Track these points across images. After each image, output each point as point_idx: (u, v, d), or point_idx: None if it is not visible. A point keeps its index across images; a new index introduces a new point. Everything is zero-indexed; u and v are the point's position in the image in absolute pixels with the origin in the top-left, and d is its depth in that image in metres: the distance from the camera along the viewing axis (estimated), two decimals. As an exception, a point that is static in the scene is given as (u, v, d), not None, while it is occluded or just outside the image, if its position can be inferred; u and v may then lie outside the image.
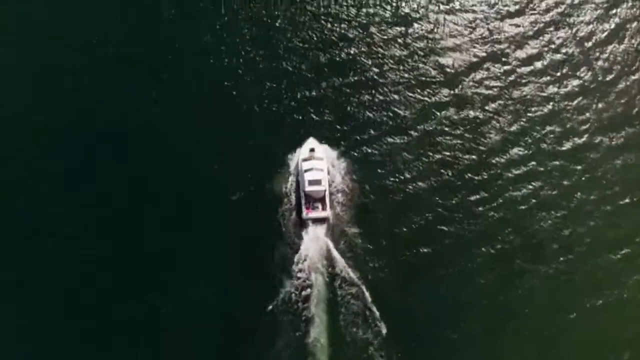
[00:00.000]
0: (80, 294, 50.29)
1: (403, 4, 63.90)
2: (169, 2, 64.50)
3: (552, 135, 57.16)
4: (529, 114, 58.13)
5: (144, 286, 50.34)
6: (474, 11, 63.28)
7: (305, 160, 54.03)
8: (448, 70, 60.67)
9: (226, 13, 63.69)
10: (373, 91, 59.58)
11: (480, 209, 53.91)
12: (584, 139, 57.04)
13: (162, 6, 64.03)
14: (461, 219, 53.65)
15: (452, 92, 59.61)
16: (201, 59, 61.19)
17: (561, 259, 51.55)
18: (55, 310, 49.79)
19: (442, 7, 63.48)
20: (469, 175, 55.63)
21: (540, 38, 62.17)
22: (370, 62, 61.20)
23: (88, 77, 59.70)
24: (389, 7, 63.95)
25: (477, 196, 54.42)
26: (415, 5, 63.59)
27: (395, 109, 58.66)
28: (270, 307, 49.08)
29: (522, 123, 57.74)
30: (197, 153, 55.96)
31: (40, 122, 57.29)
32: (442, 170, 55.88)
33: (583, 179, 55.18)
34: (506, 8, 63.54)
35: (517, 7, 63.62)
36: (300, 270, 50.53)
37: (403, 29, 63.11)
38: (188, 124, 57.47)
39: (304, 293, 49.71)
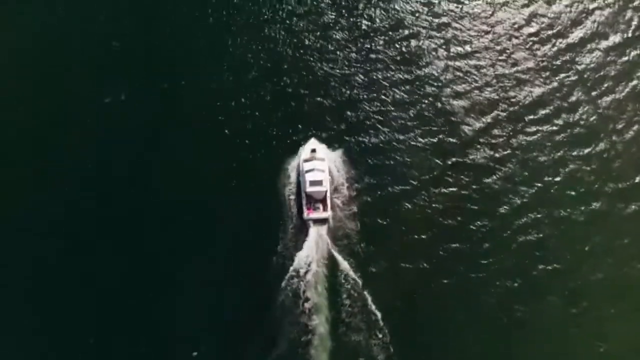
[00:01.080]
0: (81, 293, 50.23)
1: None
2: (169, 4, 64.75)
3: (567, 197, 54.32)
4: (545, 178, 55.29)
5: (143, 286, 50.27)
6: (483, 58, 61.57)
7: (306, 160, 54.07)
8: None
9: (229, 15, 63.88)
10: (376, 94, 59.69)
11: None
12: (600, 203, 54.12)
13: (162, 8, 64.32)
14: (465, 215, 53.69)
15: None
16: (203, 60, 61.33)
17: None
18: (56, 309, 49.69)
19: (450, 52, 62.06)
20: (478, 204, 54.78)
21: (550, 86, 60.18)
22: (376, 67, 61.45)
23: (88, 80, 59.71)
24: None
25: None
26: (422, 50, 62.29)
27: (398, 111, 58.80)
28: (271, 305, 49.15)
29: (534, 183, 55.01)
30: (198, 154, 55.94)
31: (41, 123, 57.46)
32: (444, 170, 55.95)
33: (596, 240, 52.80)
34: (515, 54, 61.67)
35: (525, 53, 61.63)
36: (300, 271, 50.47)
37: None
38: (189, 125, 57.51)
39: (304, 291, 49.78)
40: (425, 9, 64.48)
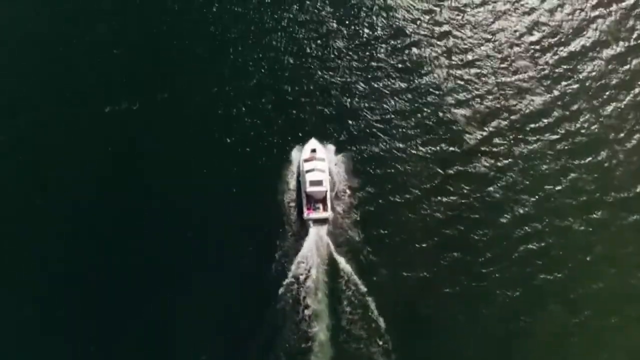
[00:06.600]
0: (79, 295, 49.80)
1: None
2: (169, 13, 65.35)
3: (568, 206, 54.01)
4: (546, 187, 54.95)
5: (141, 292, 49.69)
6: (484, 66, 61.14)
7: (306, 161, 53.93)
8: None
9: (230, 22, 64.38)
10: (376, 101, 59.49)
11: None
12: (601, 212, 53.80)
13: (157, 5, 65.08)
14: (466, 222, 53.25)
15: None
16: (204, 67, 61.47)
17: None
18: (53, 314, 49.16)
19: (452, 60, 61.70)
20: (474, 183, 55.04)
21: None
22: (376, 74, 61.28)
23: (87, 82, 60.05)
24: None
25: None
26: (423, 58, 61.91)
27: (398, 111, 58.67)
28: (270, 307, 48.60)
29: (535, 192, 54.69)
30: (198, 154, 55.81)
31: (40, 123, 57.65)
32: (444, 169, 55.69)
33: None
34: (517, 62, 61.41)
35: (526, 62, 61.18)
36: (300, 271, 49.95)
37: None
38: (189, 125, 57.53)
39: (304, 293, 49.22)
40: (427, 17, 64.33)
